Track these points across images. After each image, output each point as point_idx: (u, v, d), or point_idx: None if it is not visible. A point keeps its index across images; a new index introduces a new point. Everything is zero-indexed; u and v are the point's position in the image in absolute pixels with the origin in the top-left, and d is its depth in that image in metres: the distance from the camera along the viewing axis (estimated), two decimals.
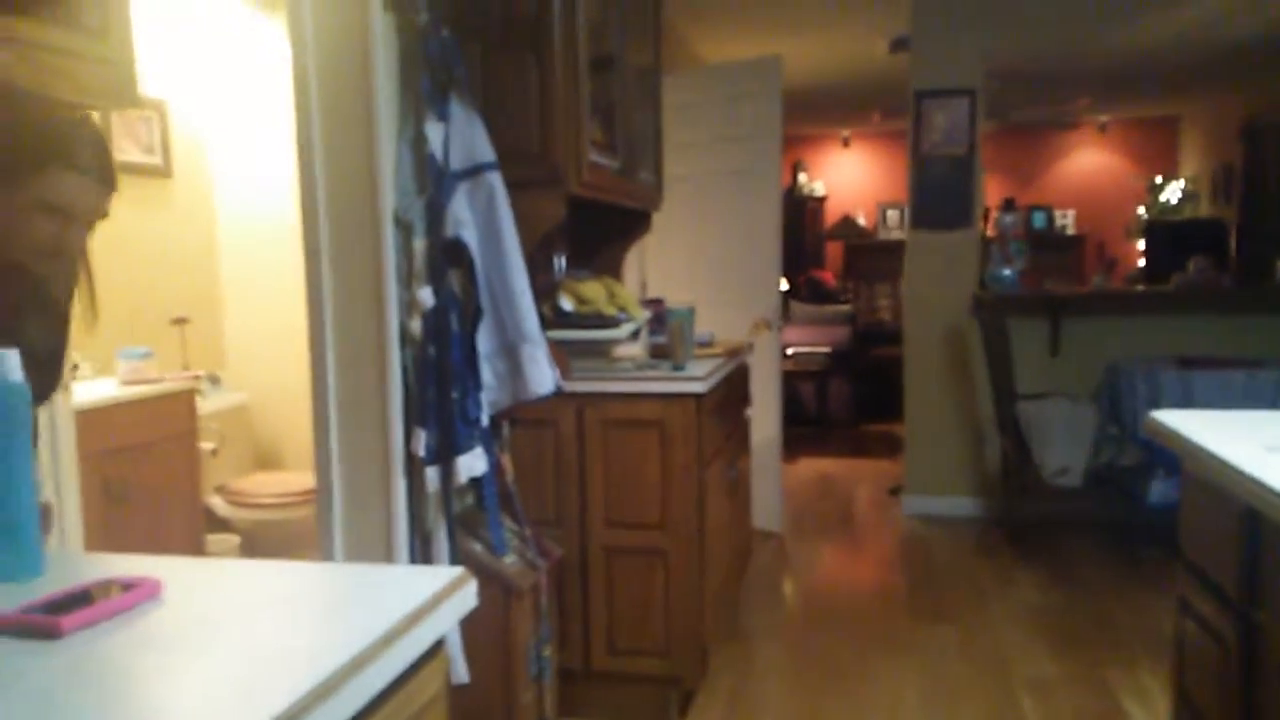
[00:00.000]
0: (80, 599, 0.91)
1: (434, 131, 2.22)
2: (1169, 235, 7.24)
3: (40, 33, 0.97)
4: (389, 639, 0.87)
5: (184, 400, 3.20)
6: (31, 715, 0.72)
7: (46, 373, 1.51)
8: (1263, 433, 1.65)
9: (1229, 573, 1.54)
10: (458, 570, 1.03)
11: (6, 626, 0.87)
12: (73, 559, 1.08)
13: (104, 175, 1.38)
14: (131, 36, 1.05)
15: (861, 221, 9.44)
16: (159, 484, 3.05)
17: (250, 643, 0.86)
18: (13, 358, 1.00)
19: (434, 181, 2.21)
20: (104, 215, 1.40)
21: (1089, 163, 9.13)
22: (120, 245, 3.47)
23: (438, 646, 0.99)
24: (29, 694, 0.76)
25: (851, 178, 9.59)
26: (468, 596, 1.02)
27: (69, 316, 1.53)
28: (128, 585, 0.95)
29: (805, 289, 8.20)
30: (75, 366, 2.97)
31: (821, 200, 9.40)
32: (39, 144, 1.32)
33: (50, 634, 0.85)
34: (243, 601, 0.97)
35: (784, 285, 5.02)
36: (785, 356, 6.35)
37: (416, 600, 0.94)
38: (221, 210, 3.95)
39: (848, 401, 7.19)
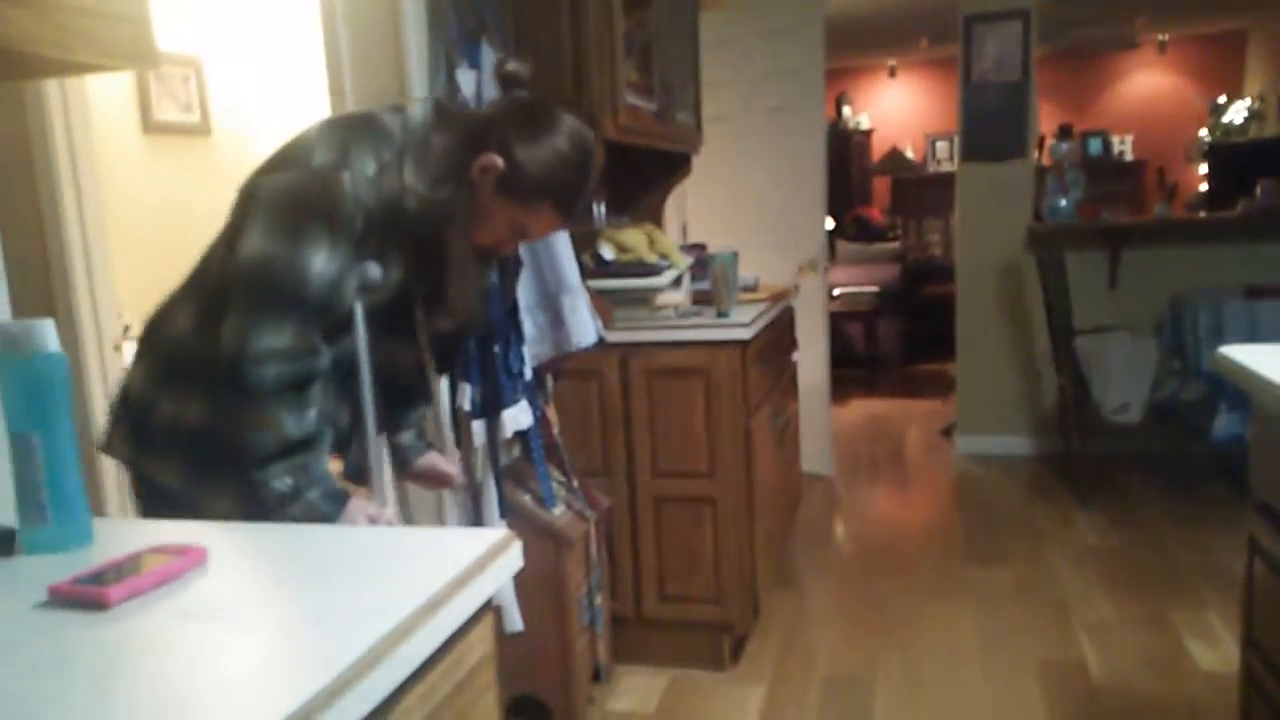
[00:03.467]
0: (127, 569, 0.91)
1: (466, 79, 2.17)
2: (1233, 158, 6.91)
3: None
4: (435, 604, 0.85)
5: None
6: (80, 689, 0.72)
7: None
8: None
9: None
10: (503, 532, 1.01)
11: (58, 598, 0.87)
12: (121, 527, 1.09)
13: None
14: None
15: (910, 154, 9.18)
16: None
17: (296, 610, 0.85)
18: (49, 328, 0.99)
19: None
20: None
21: (1148, 85, 8.74)
22: (162, 206, 3.49)
23: (485, 609, 0.97)
24: (77, 667, 0.76)
25: (898, 109, 9.31)
26: (513, 557, 1.00)
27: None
28: (174, 553, 0.95)
29: (852, 227, 8.04)
30: (127, 327, 3.01)
31: (867, 134, 9.15)
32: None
33: (99, 605, 0.85)
34: (287, 568, 0.96)
35: (830, 224, 4.91)
36: (832, 297, 6.25)
37: (462, 564, 0.93)
38: None
39: (897, 341, 7.07)
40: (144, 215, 3.42)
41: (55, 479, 1.00)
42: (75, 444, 1.02)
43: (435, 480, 1.66)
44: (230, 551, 1.00)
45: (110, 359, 2.02)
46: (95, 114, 2.95)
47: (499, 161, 1.33)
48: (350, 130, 1.32)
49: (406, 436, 1.62)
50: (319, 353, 1.29)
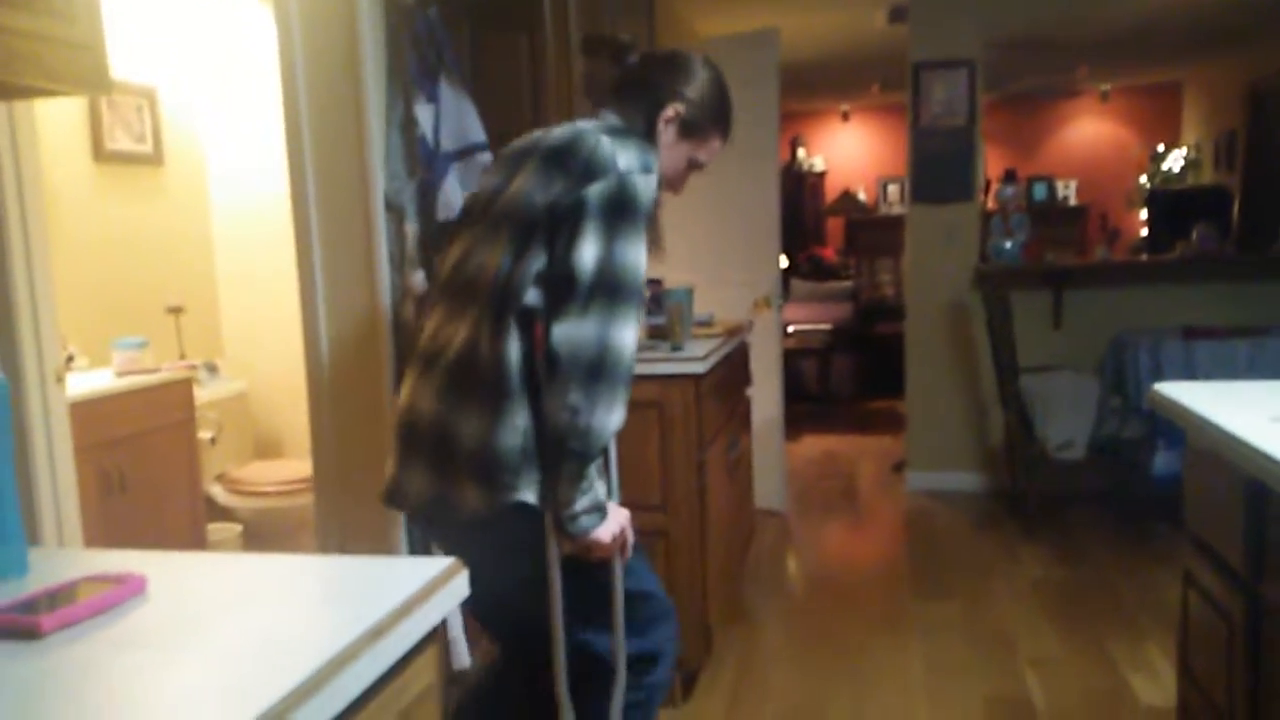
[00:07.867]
0: (62, 597, 0.89)
1: (424, 113, 2.19)
2: (1172, 204, 7.16)
3: (5, 17, 0.94)
4: (378, 631, 0.85)
5: (181, 389, 3.18)
6: (10, 719, 0.71)
7: None
8: (1268, 404, 1.63)
9: (1234, 547, 1.52)
10: (449, 560, 1.01)
11: None
12: (58, 556, 1.07)
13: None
14: (100, 20, 1.02)
15: (862, 196, 9.38)
16: (158, 474, 3.05)
17: (234, 639, 0.84)
18: None
19: (425, 164, 2.19)
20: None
21: (1090, 132, 9.05)
22: (114, 235, 3.45)
23: (430, 638, 0.97)
24: (7, 697, 0.74)
25: (851, 152, 9.52)
26: (460, 586, 1.00)
27: None
28: (112, 581, 0.93)
29: (806, 266, 8.17)
30: (70, 357, 2.95)
31: (821, 176, 9.33)
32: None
33: (30, 634, 0.84)
34: (228, 596, 0.95)
35: (784, 263, 4.99)
36: (787, 334, 6.33)
37: (406, 592, 0.93)
38: (215, 197, 3.92)
39: (850, 378, 7.16)
40: (93, 244, 3.37)
41: None
42: (12, 471, 1.00)
43: None
44: (170, 579, 0.98)
45: (52, 389, 1.97)
46: (45, 142, 2.92)
47: (681, 108, 1.57)
48: (630, 137, 1.48)
49: None
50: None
